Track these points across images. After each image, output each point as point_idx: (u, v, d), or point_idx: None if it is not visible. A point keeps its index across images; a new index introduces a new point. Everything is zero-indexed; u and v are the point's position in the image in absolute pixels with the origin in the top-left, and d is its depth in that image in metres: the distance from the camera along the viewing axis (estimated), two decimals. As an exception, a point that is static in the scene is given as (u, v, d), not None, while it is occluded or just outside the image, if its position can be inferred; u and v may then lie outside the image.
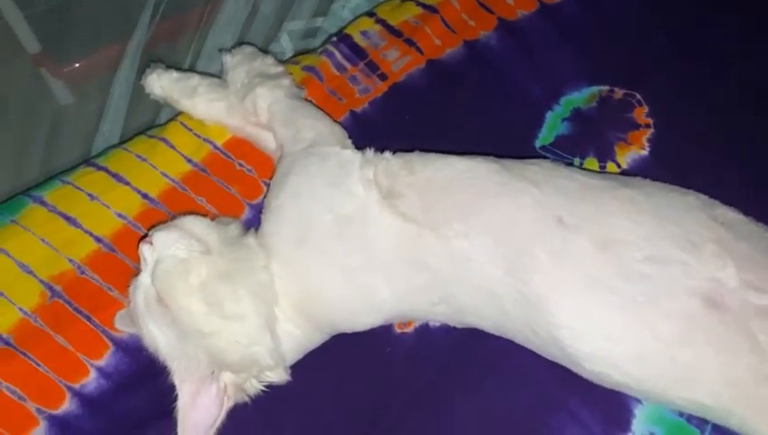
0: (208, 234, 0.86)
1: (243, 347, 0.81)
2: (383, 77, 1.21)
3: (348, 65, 1.22)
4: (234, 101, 1.07)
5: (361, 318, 0.88)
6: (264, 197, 1.06)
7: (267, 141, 1.07)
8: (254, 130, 1.08)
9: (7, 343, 0.94)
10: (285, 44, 1.59)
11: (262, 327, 0.82)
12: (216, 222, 0.90)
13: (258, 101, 1.02)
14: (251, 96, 1.03)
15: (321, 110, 1.03)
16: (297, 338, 0.87)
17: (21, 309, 0.97)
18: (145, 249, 0.84)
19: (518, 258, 0.80)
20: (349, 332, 0.89)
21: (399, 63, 1.22)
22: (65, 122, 1.68)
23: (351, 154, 0.92)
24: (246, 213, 1.07)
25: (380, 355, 0.93)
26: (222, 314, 0.80)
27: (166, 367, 0.85)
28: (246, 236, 0.90)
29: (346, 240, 0.85)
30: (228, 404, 0.83)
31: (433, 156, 0.90)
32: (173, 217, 0.93)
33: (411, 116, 1.16)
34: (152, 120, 1.46)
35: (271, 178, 1.06)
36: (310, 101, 1.05)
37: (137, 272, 0.94)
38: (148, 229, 0.89)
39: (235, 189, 1.09)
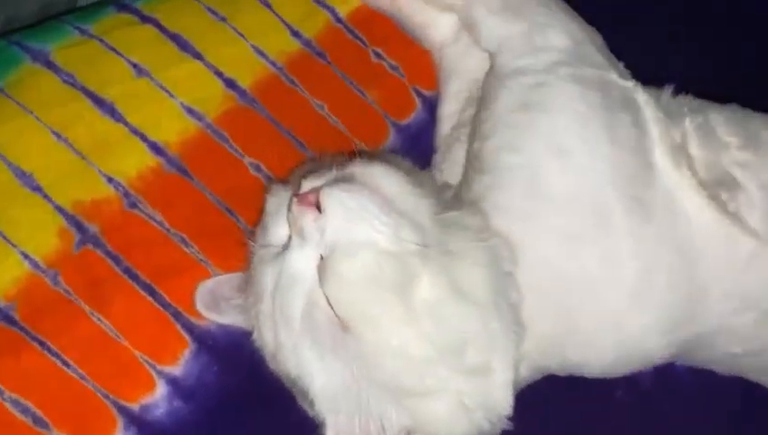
0: (416, 205, 0.49)
1: (469, 414, 0.47)
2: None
3: None
4: None
5: (623, 365, 0.56)
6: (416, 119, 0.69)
7: (433, 28, 0.68)
8: (411, 4, 0.68)
9: (9, 320, 0.55)
10: None
11: (507, 386, 0.48)
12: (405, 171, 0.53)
13: None
14: None
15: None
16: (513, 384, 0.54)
17: (28, 257, 0.57)
18: (308, 219, 0.46)
19: None
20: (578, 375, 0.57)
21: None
22: None
23: (641, 93, 0.55)
24: (391, 139, 0.69)
25: (606, 400, 0.63)
26: (459, 364, 0.46)
27: (305, 402, 0.51)
28: (466, 206, 0.53)
29: (642, 242, 0.51)
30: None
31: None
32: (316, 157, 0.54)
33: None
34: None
35: (436, 89, 0.69)
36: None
37: (251, 229, 0.57)
38: (296, 170, 0.51)
39: (373, 96, 0.69)
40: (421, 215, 0.48)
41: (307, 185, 0.48)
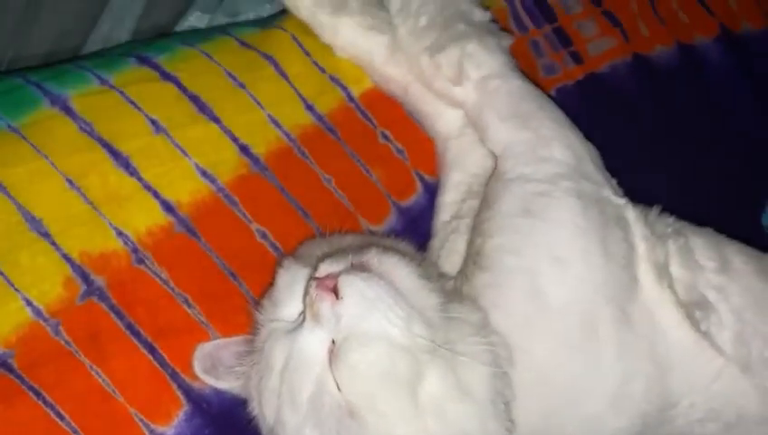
0: (426, 299, 0.52)
1: None
2: (577, 59, 0.87)
3: (530, 24, 0.87)
4: (407, 44, 0.70)
5: None
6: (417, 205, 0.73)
7: (440, 119, 0.72)
8: (421, 95, 0.72)
9: (7, 368, 0.55)
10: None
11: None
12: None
13: (468, 67, 0.66)
14: (453, 52, 0.66)
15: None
16: None
17: (31, 304, 0.57)
18: (326, 304, 0.49)
19: None
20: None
21: (599, 46, 0.89)
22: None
23: (631, 211, 0.60)
24: (391, 218, 0.73)
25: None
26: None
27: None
28: (466, 300, 0.56)
29: (624, 352, 0.56)
30: None
31: (745, 248, 0.61)
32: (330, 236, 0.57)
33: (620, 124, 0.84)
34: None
35: (437, 176, 0.73)
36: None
37: (256, 298, 0.59)
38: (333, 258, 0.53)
39: (377, 175, 0.73)
40: (430, 309, 0.51)
41: (325, 269, 0.51)
